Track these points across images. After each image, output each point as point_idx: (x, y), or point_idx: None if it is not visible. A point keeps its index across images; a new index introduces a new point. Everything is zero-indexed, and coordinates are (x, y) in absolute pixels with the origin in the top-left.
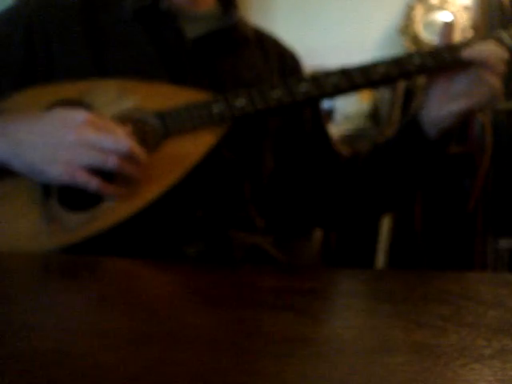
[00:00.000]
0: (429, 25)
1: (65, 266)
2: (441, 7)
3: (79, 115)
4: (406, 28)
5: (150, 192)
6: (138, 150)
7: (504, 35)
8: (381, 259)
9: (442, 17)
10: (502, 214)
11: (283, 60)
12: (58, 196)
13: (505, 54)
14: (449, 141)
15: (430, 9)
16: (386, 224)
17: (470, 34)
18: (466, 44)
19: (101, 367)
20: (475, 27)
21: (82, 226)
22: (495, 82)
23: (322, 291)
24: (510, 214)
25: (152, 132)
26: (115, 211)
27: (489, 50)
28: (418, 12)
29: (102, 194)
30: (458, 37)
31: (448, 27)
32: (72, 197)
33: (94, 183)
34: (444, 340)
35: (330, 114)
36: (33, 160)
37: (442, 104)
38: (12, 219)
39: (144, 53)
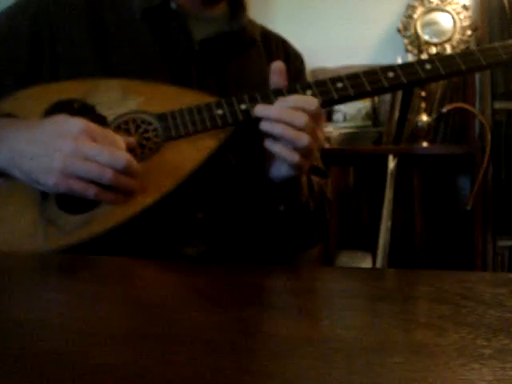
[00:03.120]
0: (429, 25)
1: (64, 266)
2: (441, 7)
3: (77, 124)
4: (405, 28)
5: (148, 197)
6: (134, 164)
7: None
8: (380, 259)
9: (442, 17)
10: (502, 214)
11: (289, 61)
12: (56, 198)
13: (301, 115)
14: (288, 196)
15: (430, 9)
16: (385, 224)
17: (469, 34)
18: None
19: (101, 367)
20: (475, 27)
21: (78, 228)
22: (291, 156)
23: (321, 291)
24: (509, 214)
25: (153, 134)
26: (113, 215)
27: (277, 116)
28: (418, 12)
29: (100, 201)
30: (458, 37)
31: (275, 71)
32: (70, 199)
33: (91, 191)
34: (444, 340)
35: (329, 113)
36: (30, 169)
37: (269, 164)
38: (9, 219)
39: (148, 53)
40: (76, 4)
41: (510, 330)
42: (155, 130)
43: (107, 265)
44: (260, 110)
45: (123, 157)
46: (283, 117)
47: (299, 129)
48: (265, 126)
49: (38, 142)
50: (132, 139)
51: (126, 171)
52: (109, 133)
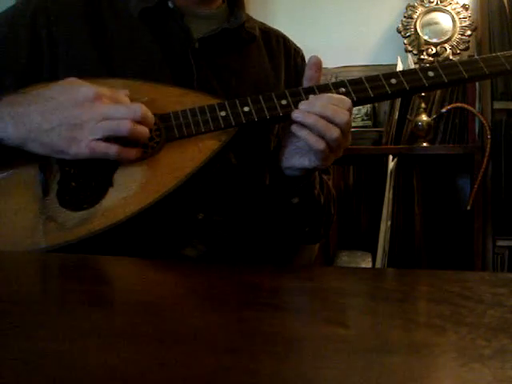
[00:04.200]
0: (429, 25)
1: (64, 266)
2: (441, 7)
3: (89, 91)
4: (405, 28)
5: (150, 195)
6: (148, 112)
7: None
8: (380, 259)
9: (442, 17)
10: (502, 214)
11: (289, 57)
12: (58, 194)
13: (341, 111)
14: (294, 190)
15: (430, 9)
16: (385, 224)
17: (469, 34)
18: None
19: (101, 367)
20: (475, 27)
21: (78, 225)
22: (318, 143)
23: (322, 291)
24: (509, 214)
25: (156, 134)
26: (113, 212)
27: (317, 112)
28: (418, 12)
29: (123, 160)
30: (458, 37)
31: (314, 64)
32: (71, 195)
33: (113, 150)
34: (443, 339)
35: None
36: (51, 141)
37: (289, 156)
38: (9, 214)
39: (149, 52)
40: (75, 4)
41: (510, 330)
42: (158, 130)
43: (107, 265)
44: (304, 104)
45: (139, 106)
46: (325, 112)
47: (335, 124)
48: (298, 115)
49: (54, 113)
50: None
51: (143, 119)
52: (117, 92)
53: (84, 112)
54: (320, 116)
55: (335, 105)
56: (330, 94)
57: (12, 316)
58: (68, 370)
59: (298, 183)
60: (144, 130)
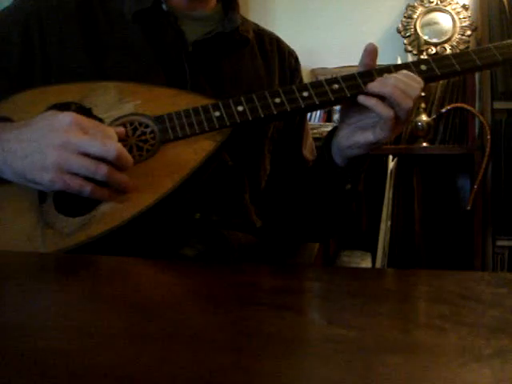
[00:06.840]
0: (429, 25)
1: (64, 266)
2: (440, 7)
3: (66, 118)
4: (405, 28)
5: (146, 198)
6: (125, 153)
7: (423, 67)
8: (380, 259)
9: (442, 17)
10: (502, 214)
11: (283, 59)
12: (54, 200)
13: (414, 85)
14: (356, 174)
15: (430, 9)
16: (385, 224)
17: (469, 34)
18: (382, 71)
19: (100, 367)
20: (475, 27)
21: (76, 231)
22: (387, 111)
23: (321, 291)
24: (509, 214)
25: (151, 136)
26: (111, 217)
27: (392, 84)
28: (418, 12)
29: (97, 199)
30: (458, 37)
31: (371, 52)
32: (68, 202)
33: (87, 189)
34: (443, 340)
35: (329, 113)
36: (23, 168)
37: (351, 134)
38: (7, 223)
39: (142, 55)
40: (67, 7)
41: (510, 330)
42: (152, 132)
43: (107, 265)
44: (378, 78)
45: (114, 147)
46: (399, 84)
47: (408, 96)
48: (375, 85)
49: (29, 140)
50: (122, 129)
51: (117, 162)
52: (99, 124)
53: (56, 137)
54: (395, 87)
55: (409, 79)
56: (405, 71)
57: (10, 315)
58: (68, 370)
59: (357, 166)
60: (121, 179)
